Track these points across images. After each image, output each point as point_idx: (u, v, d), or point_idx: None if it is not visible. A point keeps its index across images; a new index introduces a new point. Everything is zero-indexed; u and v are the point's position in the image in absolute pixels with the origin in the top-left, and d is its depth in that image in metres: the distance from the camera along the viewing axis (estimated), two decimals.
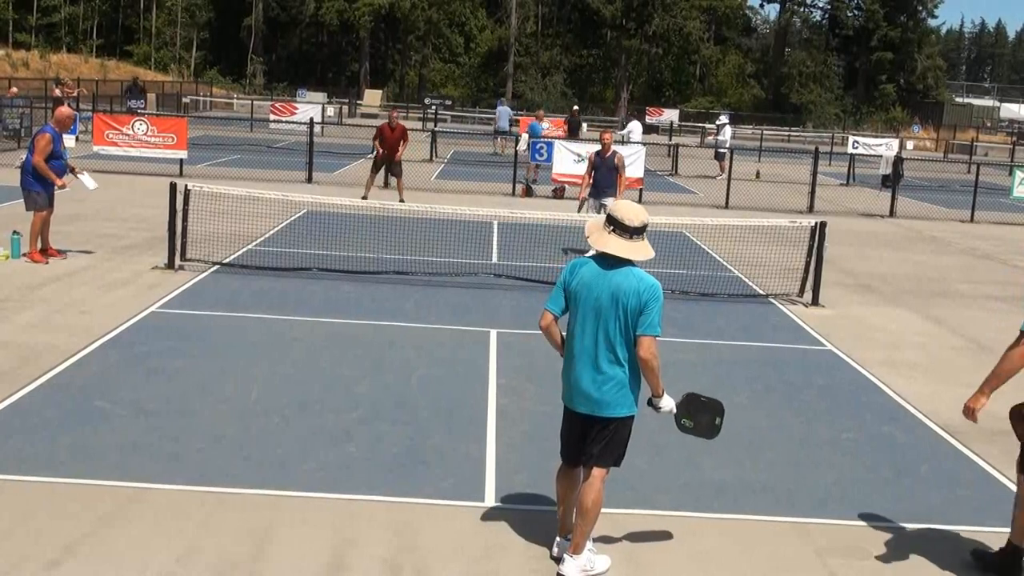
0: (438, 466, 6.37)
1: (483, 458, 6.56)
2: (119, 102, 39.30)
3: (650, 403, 5.19)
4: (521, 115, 45.34)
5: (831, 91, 74.07)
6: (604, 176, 14.15)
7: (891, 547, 5.63)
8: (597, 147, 14.72)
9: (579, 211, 14.60)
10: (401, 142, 19.71)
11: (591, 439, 5.08)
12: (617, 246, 4.96)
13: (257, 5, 70.23)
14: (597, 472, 5.06)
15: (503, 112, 35.60)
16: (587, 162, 14.72)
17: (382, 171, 20.33)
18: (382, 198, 17.75)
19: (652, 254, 5.02)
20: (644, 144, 24.46)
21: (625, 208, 5.05)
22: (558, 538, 5.29)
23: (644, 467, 6.54)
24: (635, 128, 31.45)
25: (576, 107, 36.83)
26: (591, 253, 5.14)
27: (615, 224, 4.98)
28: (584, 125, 37.57)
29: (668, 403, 5.18)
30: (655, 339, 4.91)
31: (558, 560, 5.16)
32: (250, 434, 6.75)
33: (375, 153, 20.05)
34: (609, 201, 14.22)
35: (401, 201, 17.03)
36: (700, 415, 5.28)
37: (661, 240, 15.30)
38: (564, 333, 5.22)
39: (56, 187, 11.96)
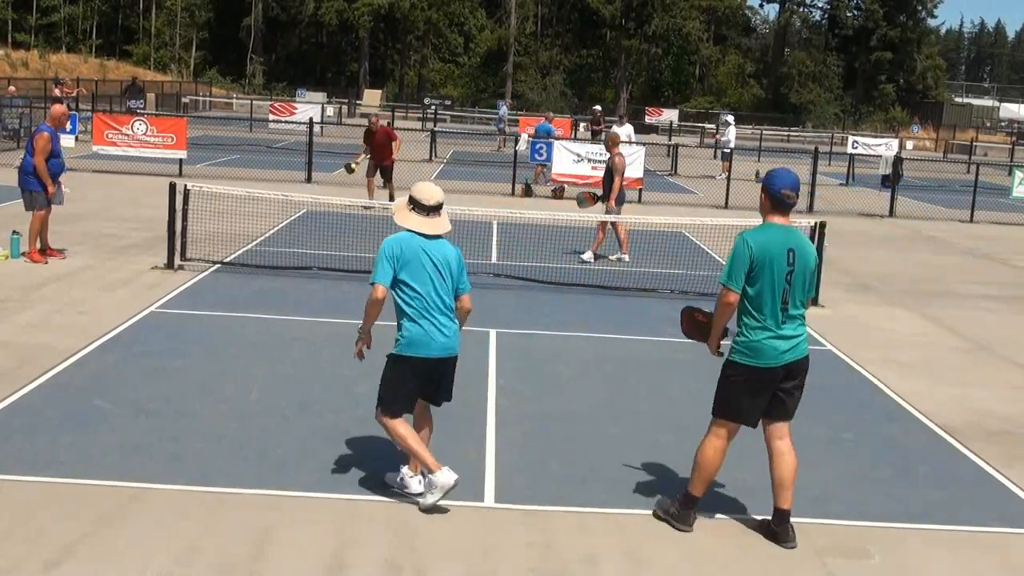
0: None
1: (483, 458, 6.56)
2: (118, 102, 39.30)
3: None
4: (521, 115, 45.44)
5: (831, 91, 74.09)
6: (604, 176, 14.37)
7: (890, 547, 5.63)
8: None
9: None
10: (391, 143, 18.58)
11: (440, 383, 5.85)
12: (417, 223, 5.69)
13: (256, 5, 70.25)
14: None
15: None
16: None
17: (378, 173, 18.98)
18: (382, 198, 17.75)
19: (449, 228, 5.79)
20: (644, 144, 24.45)
21: (421, 189, 5.80)
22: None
23: (644, 467, 6.55)
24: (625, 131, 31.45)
25: (598, 107, 36.96)
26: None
27: (415, 204, 5.73)
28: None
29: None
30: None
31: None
32: (250, 434, 6.75)
33: (364, 151, 18.85)
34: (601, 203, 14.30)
35: (391, 199, 16.80)
36: None
37: (661, 240, 15.35)
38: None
39: (47, 193, 11.87)
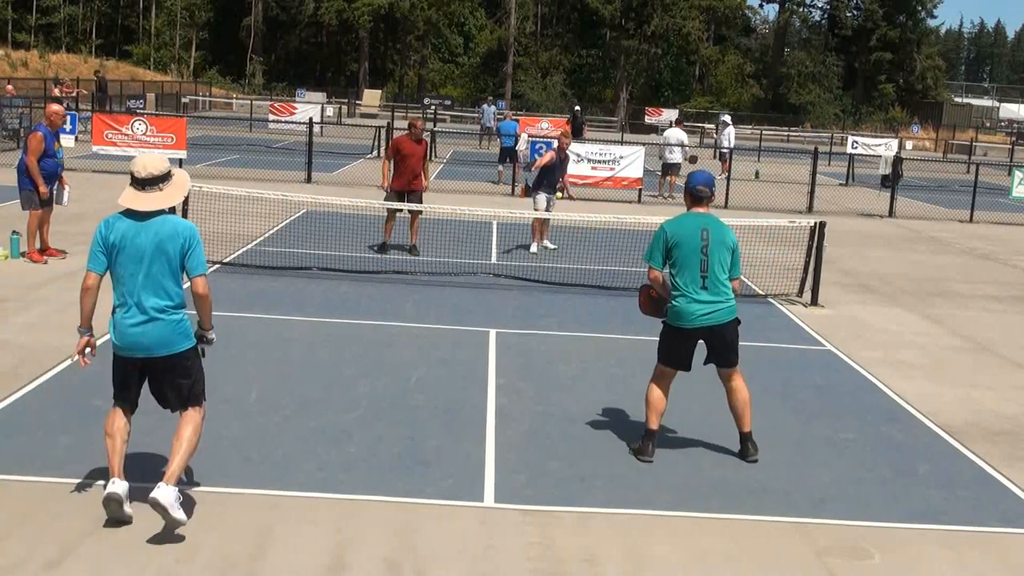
0: (438, 466, 6.37)
1: (482, 458, 6.56)
2: (118, 102, 39.30)
3: (201, 339, 5.51)
4: (521, 115, 45.48)
5: (830, 91, 74.10)
6: (558, 174, 14.96)
7: (890, 547, 5.63)
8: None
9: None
10: (425, 162, 13.88)
11: (167, 382, 5.39)
12: (127, 197, 5.30)
13: (256, 5, 70.25)
14: (193, 411, 5.41)
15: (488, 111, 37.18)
16: (547, 155, 15.06)
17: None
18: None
19: (165, 204, 5.35)
20: (643, 144, 24.43)
21: (136, 160, 5.43)
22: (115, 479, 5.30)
23: (644, 467, 6.55)
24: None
25: (578, 108, 37.08)
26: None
27: (131, 178, 5.34)
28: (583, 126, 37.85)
29: (215, 334, 5.61)
30: (206, 277, 5.36)
31: (120, 501, 5.19)
32: (250, 434, 6.75)
33: (386, 182, 13.74)
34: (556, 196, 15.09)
35: (413, 247, 13.78)
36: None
37: None
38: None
39: (39, 193, 11.89)
